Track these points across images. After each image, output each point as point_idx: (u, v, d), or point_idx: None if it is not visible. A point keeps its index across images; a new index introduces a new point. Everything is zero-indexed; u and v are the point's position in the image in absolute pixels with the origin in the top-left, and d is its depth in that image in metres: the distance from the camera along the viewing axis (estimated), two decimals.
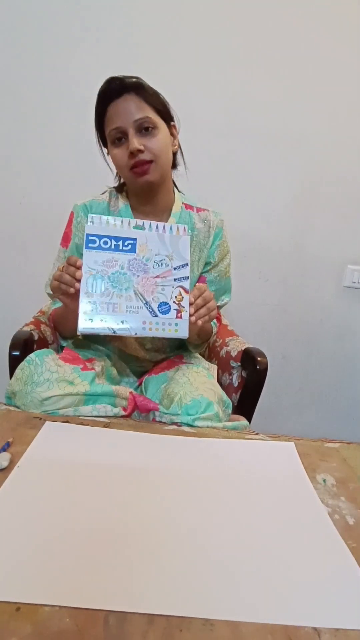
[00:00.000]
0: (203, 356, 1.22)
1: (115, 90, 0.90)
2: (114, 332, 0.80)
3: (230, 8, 1.54)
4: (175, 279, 0.83)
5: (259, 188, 1.71)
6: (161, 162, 0.93)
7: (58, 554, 0.48)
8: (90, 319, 0.79)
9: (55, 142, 1.60)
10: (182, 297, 0.83)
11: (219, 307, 1.12)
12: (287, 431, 0.93)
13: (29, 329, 1.12)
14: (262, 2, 1.54)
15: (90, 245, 0.81)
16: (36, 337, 1.12)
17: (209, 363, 1.14)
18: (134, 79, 0.91)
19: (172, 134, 0.98)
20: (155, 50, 1.54)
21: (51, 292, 1.04)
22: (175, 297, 0.82)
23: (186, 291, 0.84)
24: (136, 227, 0.85)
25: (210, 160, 1.62)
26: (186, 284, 0.84)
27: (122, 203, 1.03)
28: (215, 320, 1.10)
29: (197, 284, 0.87)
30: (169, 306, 0.82)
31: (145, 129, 0.90)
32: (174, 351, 1.14)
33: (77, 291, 0.81)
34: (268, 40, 1.57)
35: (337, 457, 0.76)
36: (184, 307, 0.83)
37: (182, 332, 0.82)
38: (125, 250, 0.82)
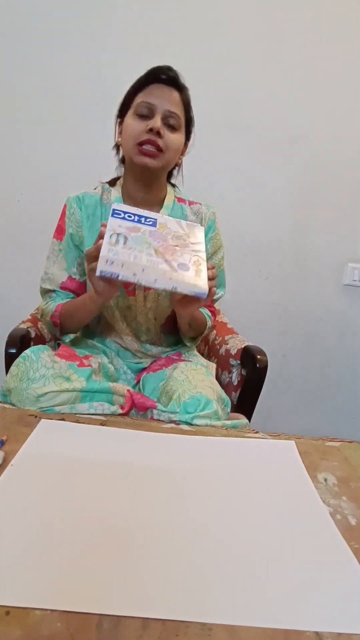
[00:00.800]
0: (202, 354, 1.20)
1: (167, 77, 0.93)
2: (135, 275, 0.77)
3: (230, 4, 1.53)
4: (192, 250, 0.86)
5: (258, 185, 1.70)
6: (168, 157, 0.95)
7: (50, 556, 0.46)
8: (112, 261, 0.77)
9: (52, 141, 1.59)
10: (200, 264, 0.84)
11: (213, 301, 1.12)
12: (287, 430, 0.92)
13: (25, 327, 1.11)
14: None
15: (115, 215, 0.84)
16: (33, 335, 1.11)
17: (208, 361, 1.13)
18: (184, 84, 0.96)
19: (181, 150, 1.01)
20: (154, 46, 1.53)
21: (47, 287, 1.03)
22: (194, 261, 0.83)
23: (204, 260, 0.85)
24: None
25: (210, 157, 1.61)
26: (203, 255, 0.86)
27: (114, 195, 1.03)
28: (209, 314, 1.09)
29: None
30: (188, 267, 0.82)
31: (170, 124, 0.93)
32: (170, 345, 1.12)
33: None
34: (268, 37, 1.57)
35: (338, 456, 0.75)
36: (202, 270, 0.83)
37: (202, 288, 0.80)
38: (148, 224, 0.85)
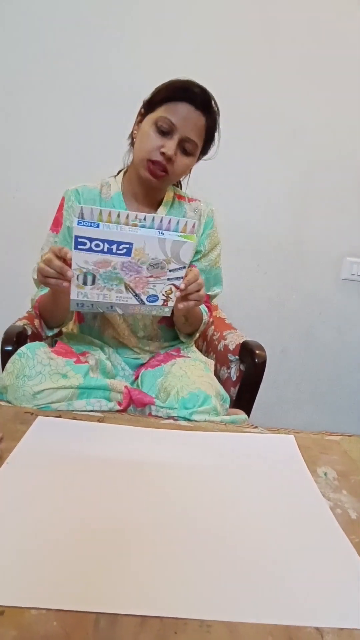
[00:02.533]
0: (200, 350, 1.20)
1: (198, 98, 0.90)
2: (102, 311, 0.85)
3: None
4: (168, 279, 0.79)
5: (256, 180, 1.69)
6: (173, 179, 0.97)
7: (45, 554, 0.45)
8: (82, 304, 0.81)
9: (49, 136, 1.58)
10: (172, 291, 0.82)
11: (210, 297, 1.12)
12: (286, 425, 0.91)
13: (22, 324, 1.10)
14: None
15: (79, 247, 0.71)
16: (29, 332, 1.10)
17: (206, 357, 1.12)
18: (216, 107, 0.95)
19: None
20: (154, 40, 1.52)
21: (37, 277, 1.01)
22: (165, 291, 0.81)
23: (177, 288, 0.81)
24: (135, 221, 0.73)
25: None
26: (179, 282, 0.80)
27: (114, 190, 1.01)
28: (206, 309, 1.09)
29: (192, 269, 0.85)
30: (157, 297, 0.82)
31: (185, 148, 0.92)
32: (168, 340, 1.12)
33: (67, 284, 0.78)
34: (267, 30, 1.55)
35: (338, 449, 0.74)
36: (171, 299, 0.83)
37: (164, 312, 0.86)
38: (120, 254, 0.73)
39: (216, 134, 0.99)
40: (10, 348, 0.98)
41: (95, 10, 1.49)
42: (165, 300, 0.82)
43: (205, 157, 1.03)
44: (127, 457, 0.65)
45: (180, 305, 0.84)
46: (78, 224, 0.70)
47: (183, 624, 0.39)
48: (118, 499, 0.56)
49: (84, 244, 0.71)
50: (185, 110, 0.89)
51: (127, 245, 0.72)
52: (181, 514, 0.54)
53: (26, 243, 1.62)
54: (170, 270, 0.78)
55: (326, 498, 0.60)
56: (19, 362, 0.82)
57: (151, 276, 0.78)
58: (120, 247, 0.72)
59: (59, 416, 0.76)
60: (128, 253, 0.73)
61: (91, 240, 0.70)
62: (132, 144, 1.02)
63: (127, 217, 0.73)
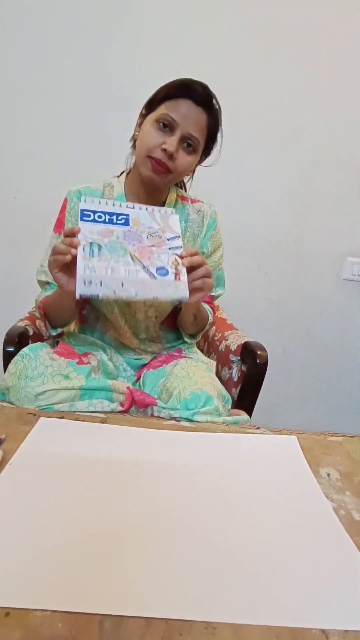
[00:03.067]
0: (201, 350, 1.20)
1: (200, 96, 0.90)
2: (115, 293, 0.77)
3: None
4: (169, 248, 0.84)
5: (257, 180, 1.68)
6: (175, 176, 0.95)
7: (50, 556, 0.45)
8: (90, 281, 0.76)
9: (49, 137, 1.58)
10: (178, 263, 0.83)
11: (213, 298, 1.12)
12: (287, 425, 0.91)
13: (23, 324, 1.10)
14: None
15: (84, 218, 0.82)
16: (31, 333, 1.10)
17: (208, 358, 1.12)
18: (217, 105, 0.94)
19: (196, 164, 1.00)
20: (155, 40, 1.51)
21: (42, 279, 1.02)
22: (172, 262, 0.82)
23: (181, 257, 0.84)
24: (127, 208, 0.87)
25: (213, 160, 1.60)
26: (180, 252, 0.84)
27: (116, 192, 1.01)
28: (210, 310, 1.09)
29: (189, 247, 0.87)
30: (167, 270, 0.81)
31: (188, 144, 0.91)
32: (170, 342, 1.12)
33: (73, 266, 0.77)
34: (265, 30, 1.55)
35: (341, 450, 0.74)
36: (181, 271, 0.82)
37: (183, 292, 0.81)
38: (120, 224, 0.83)
39: (219, 135, 0.98)
40: (12, 349, 0.99)
41: (96, 11, 1.49)
42: (175, 274, 0.82)
43: (206, 164, 1.03)
44: (130, 458, 0.65)
45: (198, 282, 0.83)
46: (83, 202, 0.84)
47: (188, 625, 0.39)
48: (121, 500, 0.56)
49: (88, 215, 0.82)
50: (186, 107, 0.89)
51: (125, 216, 0.84)
52: (185, 515, 0.54)
53: (27, 244, 1.62)
54: (168, 239, 0.85)
55: (329, 499, 0.60)
56: (21, 363, 0.82)
57: (153, 245, 0.83)
58: (119, 218, 0.84)
59: (62, 417, 0.76)
60: (126, 223, 0.84)
61: (94, 212, 0.83)
62: (133, 146, 1.02)
63: (120, 205, 0.86)
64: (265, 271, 1.77)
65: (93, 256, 0.78)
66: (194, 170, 1.04)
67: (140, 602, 0.41)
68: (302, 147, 1.66)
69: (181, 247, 0.84)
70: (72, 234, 0.79)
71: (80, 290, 0.75)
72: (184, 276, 0.82)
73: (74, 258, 0.77)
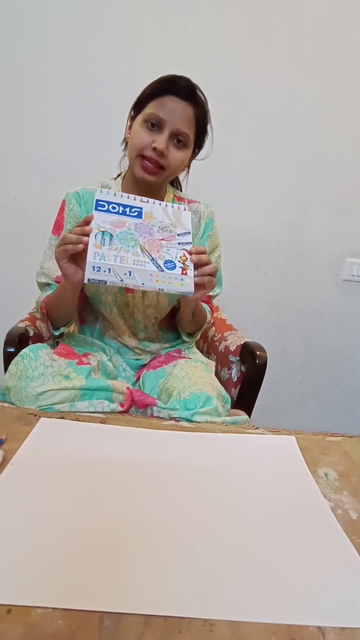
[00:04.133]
0: (201, 351, 1.20)
1: (184, 90, 0.90)
2: (122, 281, 0.79)
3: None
4: (179, 243, 0.86)
5: (257, 181, 1.69)
6: (169, 174, 0.95)
7: (51, 554, 0.46)
8: (98, 267, 0.78)
9: (49, 137, 1.58)
10: (187, 258, 0.85)
11: (211, 298, 1.12)
12: (287, 426, 0.92)
13: (24, 325, 1.11)
14: None
15: (99, 208, 0.83)
16: (31, 333, 1.11)
17: (207, 359, 1.13)
18: (202, 97, 0.94)
19: (190, 158, 1.00)
20: (153, 41, 1.52)
21: (42, 281, 1.03)
22: (180, 257, 0.84)
23: (189, 253, 0.86)
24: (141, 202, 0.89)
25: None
26: (189, 248, 0.86)
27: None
28: (209, 309, 1.09)
29: (195, 247, 0.88)
30: (174, 264, 0.83)
31: (178, 140, 0.91)
32: (169, 341, 1.12)
33: (82, 257, 0.79)
34: (266, 31, 1.56)
35: (339, 450, 0.75)
36: (188, 266, 0.84)
37: (188, 287, 0.83)
38: (132, 216, 0.85)
39: (208, 126, 0.98)
40: (12, 349, 0.99)
41: (96, 12, 1.50)
42: (183, 269, 0.83)
43: (200, 157, 1.03)
44: (130, 458, 0.66)
45: (197, 279, 0.84)
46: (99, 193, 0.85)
47: (187, 622, 0.40)
48: (121, 499, 0.56)
49: (103, 206, 0.84)
50: (172, 103, 0.90)
51: (138, 209, 0.86)
52: (184, 514, 0.54)
53: (27, 245, 1.62)
54: (178, 235, 0.86)
55: (327, 499, 0.60)
56: (21, 364, 0.82)
57: (163, 239, 0.84)
58: (132, 210, 0.85)
59: (62, 417, 0.76)
60: (139, 215, 0.85)
61: (109, 203, 0.84)
62: (125, 148, 1.02)
63: (135, 198, 0.88)
64: (265, 272, 1.78)
65: (104, 245, 0.80)
66: (189, 166, 1.04)
67: (139, 599, 0.41)
68: (302, 148, 1.67)
69: (190, 243, 0.86)
70: (85, 223, 0.81)
71: (89, 275, 0.77)
72: (190, 271, 0.84)
73: (84, 249, 0.78)
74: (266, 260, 1.77)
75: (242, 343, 1.15)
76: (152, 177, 0.93)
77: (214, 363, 1.14)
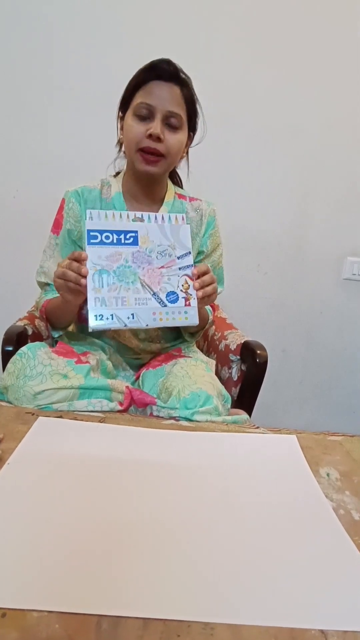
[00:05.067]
0: (201, 350, 1.19)
1: (166, 72, 0.90)
2: (126, 325, 0.79)
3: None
4: (180, 268, 0.83)
5: (257, 180, 1.68)
6: (171, 160, 0.93)
7: (47, 556, 0.45)
8: (101, 315, 0.78)
9: (49, 137, 1.58)
10: (189, 285, 0.83)
11: None
12: (287, 425, 0.91)
13: (22, 324, 1.10)
14: None
15: (92, 241, 0.80)
16: (30, 332, 1.10)
17: (207, 358, 1.12)
18: (185, 76, 0.93)
19: (186, 143, 0.98)
20: (153, 39, 1.51)
21: (42, 281, 1.02)
22: (182, 285, 0.82)
23: (192, 279, 0.84)
24: (135, 219, 0.84)
25: (207, 150, 1.59)
26: (190, 272, 0.84)
27: (114, 191, 1.01)
28: (210, 308, 1.08)
29: (199, 264, 0.87)
30: (177, 295, 0.82)
31: (171, 124, 0.91)
32: (170, 341, 1.11)
33: (83, 287, 0.79)
34: (266, 30, 1.55)
35: (341, 450, 0.74)
36: (191, 295, 0.83)
37: (192, 319, 0.82)
38: (128, 244, 0.81)
39: (198, 106, 0.97)
40: (10, 348, 0.98)
41: (97, 12, 1.49)
42: (186, 299, 0.82)
43: (195, 143, 1.02)
44: (129, 457, 0.65)
45: (200, 293, 0.83)
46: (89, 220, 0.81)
47: (186, 626, 0.39)
48: (120, 500, 0.55)
49: (95, 237, 0.80)
50: (157, 87, 0.89)
51: (133, 234, 0.81)
52: (183, 515, 0.54)
53: (27, 243, 1.61)
54: (178, 258, 0.83)
55: (329, 499, 0.59)
56: (19, 362, 0.82)
57: (162, 267, 0.82)
58: (127, 236, 0.81)
59: (60, 417, 0.76)
60: (135, 242, 0.81)
61: (101, 232, 0.80)
62: (120, 150, 1.02)
63: (128, 216, 0.83)
64: (265, 271, 1.77)
65: (102, 286, 0.78)
66: (187, 153, 1.03)
67: (137, 602, 0.40)
68: (302, 147, 1.66)
69: (192, 265, 0.84)
70: (79, 260, 0.80)
71: (93, 324, 0.77)
72: (194, 300, 0.82)
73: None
74: (266, 259, 1.76)
75: (242, 342, 1.15)
76: (155, 167, 0.92)
77: (214, 362, 1.13)
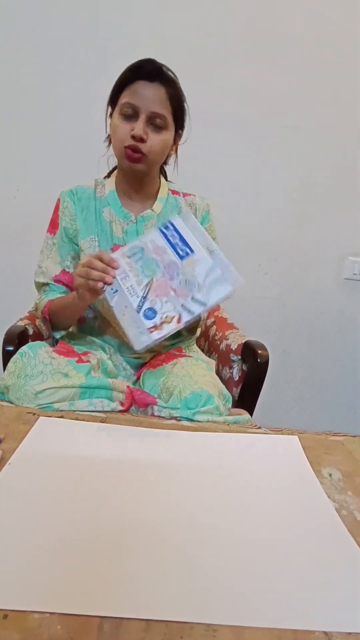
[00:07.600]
0: (202, 350, 1.19)
1: (151, 71, 0.90)
2: (104, 292, 0.81)
3: None
4: (182, 305, 0.77)
5: (257, 180, 1.68)
6: (153, 158, 0.94)
7: (49, 557, 0.45)
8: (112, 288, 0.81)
9: (48, 137, 1.58)
10: (170, 322, 0.77)
11: None
12: (288, 425, 0.91)
13: (23, 324, 1.09)
14: None
15: (162, 229, 0.82)
16: (31, 332, 1.10)
17: (208, 357, 1.12)
18: (171, 74, 0.93)
19: (174, 141, 0.99)
20: (152, 40, 1.50)
21: (40, 281, 1.02)
22: (167, 316, 0.77)
23: (179, 322, 0.77)
24: (209, 250, 0.80)
25: (206, 150, 1.59)
26: (187, 318, 0.77)
27: (108, 189, 1.03)
28: None
29: None
30: (155, 318, 0.76)
31: (156, 124, 0.91)
32: (170, 339, 1.11)
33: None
34: (266, 30, 1.55)
35: (342, 450, 0.74)
36: (162, 329, 0.76)
37: (139, 344, 0.76)
38: (178, 253, 0.80)
39: (185, 104, 0.97)
40: (11, 348, 0.98)
41: (96, 12, 1.49)
42: (155, 327, 0.76)
43: (183, 140, 1.01)
44: (130, 457, 0.65)
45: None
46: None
47: (189, 628, 0.38)
48: (121, 500, 0.55)
49: (168, 228, 0.82)
50: (142, 87, 0.90)
51: (190, 252, 0.79)
52: (185, 516, 0.53)
53: (27, 243, 1.61)
54: (192, 299, 0.77)
55: (331, 499, 0.59)
56: (20, 362, 0.81)
57: (175, 290, 0.79)
58: (184, 249, 0.80)
59: (61, 416, 0.75)
60: (184, 257, 0.80)
61: (177, 230, 0.81)
62: (109, 146, 1.02)
63: (206, 239, 0.81)
64: (266, 271, 1.77)
65: (130, 257, 0.81)
66: (176, 150, 1.03)
67: (140, 603, 0.40)
68: (302, 147, 1.66)
69: (194, 315, 0.77)
70: (103, 260, 0.80)
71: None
72: (159, 335, 0.76)
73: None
74: (267, 259, 1.76)
75: (243, 342, 1.14)
76: (138, 164, 0.93)
77: (214, 362, 1.13)
